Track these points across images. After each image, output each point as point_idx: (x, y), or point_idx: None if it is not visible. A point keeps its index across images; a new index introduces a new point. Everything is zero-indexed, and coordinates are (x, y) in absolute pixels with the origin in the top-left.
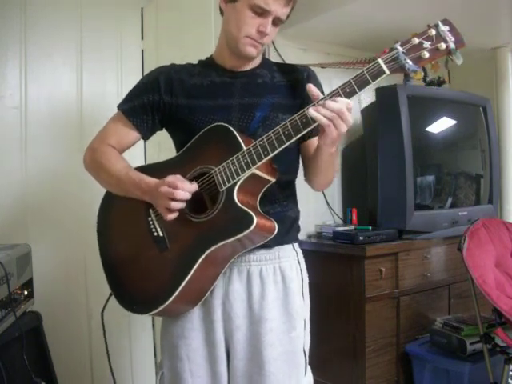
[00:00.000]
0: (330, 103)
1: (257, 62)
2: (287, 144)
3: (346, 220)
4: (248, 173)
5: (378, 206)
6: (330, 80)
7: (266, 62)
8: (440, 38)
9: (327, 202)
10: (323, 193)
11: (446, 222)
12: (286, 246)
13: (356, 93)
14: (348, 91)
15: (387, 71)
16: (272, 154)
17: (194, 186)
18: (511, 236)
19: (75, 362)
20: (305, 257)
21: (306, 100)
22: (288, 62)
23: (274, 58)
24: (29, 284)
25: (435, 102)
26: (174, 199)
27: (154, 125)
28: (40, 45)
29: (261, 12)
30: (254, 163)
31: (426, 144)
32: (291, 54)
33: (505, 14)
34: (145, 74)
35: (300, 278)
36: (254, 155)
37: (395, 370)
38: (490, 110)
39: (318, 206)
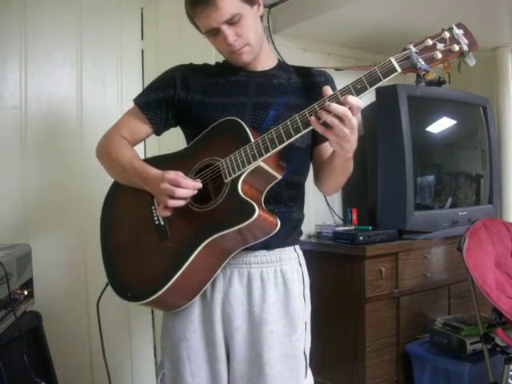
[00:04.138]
0: (334, 106)
1: (272, 62)
2: (295, 137)
3: (346, 220)
4: (254, 165)
5: (378, 206)
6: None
7: (282, 65)
8: (454, 40)
9: (327, 201)
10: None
11: (446, 222)
12: (287, 249)
13: (367, 89)
14: (359, 88)
15: (399, 69)
16: (279, 147)
17: (197, 184)
18: (511, 236)
19: (75, 362)
20: (305, 257)
21: None
22: (288, 62)
23: None
24: (29, 284)
25: (435, 102)
26: (173, 197)
27: (167, 120)
28: (40, 45)
29: (214, 32)
30: (260, 155)
31: (426, 144)
32: (291, 53)
33: (505, 14)
34: (145, 74)
35: (301, 280)
36: (262, 147)
37: (395, 369)
38: (490, 110)
39: (318, 205)
